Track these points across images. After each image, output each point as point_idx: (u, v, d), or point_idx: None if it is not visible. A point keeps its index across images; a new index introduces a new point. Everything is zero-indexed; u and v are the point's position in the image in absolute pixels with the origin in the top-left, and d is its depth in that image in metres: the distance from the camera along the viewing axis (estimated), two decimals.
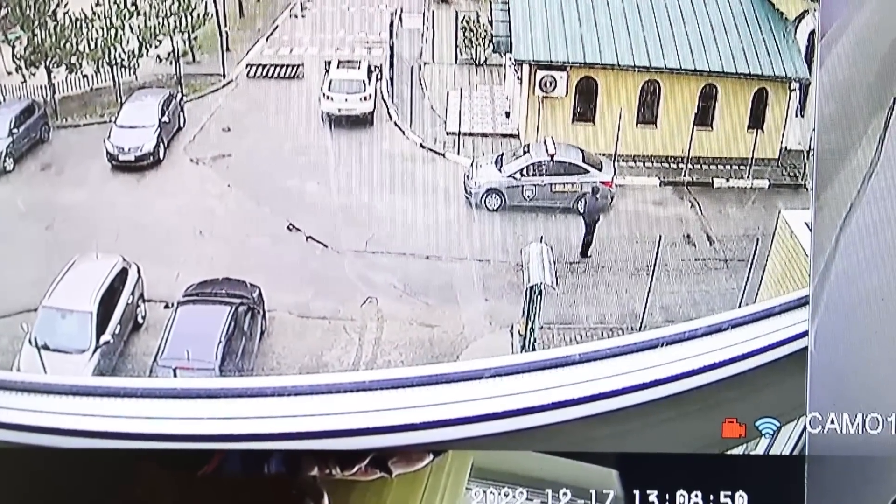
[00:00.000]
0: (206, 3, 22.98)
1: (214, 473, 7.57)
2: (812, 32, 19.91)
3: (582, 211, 18.95)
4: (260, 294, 16.81)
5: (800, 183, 19.95)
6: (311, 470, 7.52)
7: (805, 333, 8.12)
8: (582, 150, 19.88)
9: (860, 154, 8.11)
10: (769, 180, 20.27)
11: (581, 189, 19.37)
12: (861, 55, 8.17)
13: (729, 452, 8.37)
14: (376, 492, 7.56)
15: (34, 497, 7.80)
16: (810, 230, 8.32)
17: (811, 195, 8.38)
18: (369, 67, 22.26)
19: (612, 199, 19.51)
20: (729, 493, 8.12)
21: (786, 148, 20.72)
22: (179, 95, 21.88)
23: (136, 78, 22.18)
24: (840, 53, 8.28)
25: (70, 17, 21.27)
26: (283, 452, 7.70)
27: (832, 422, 8.10)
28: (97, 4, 21.45)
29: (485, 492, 8.32)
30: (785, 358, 8.16)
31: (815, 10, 18.70)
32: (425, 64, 23.81)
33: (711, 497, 8.12)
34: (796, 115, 20.57)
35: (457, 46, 24.10)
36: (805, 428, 8.15)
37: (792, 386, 8.10)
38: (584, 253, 18.49)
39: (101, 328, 15.81)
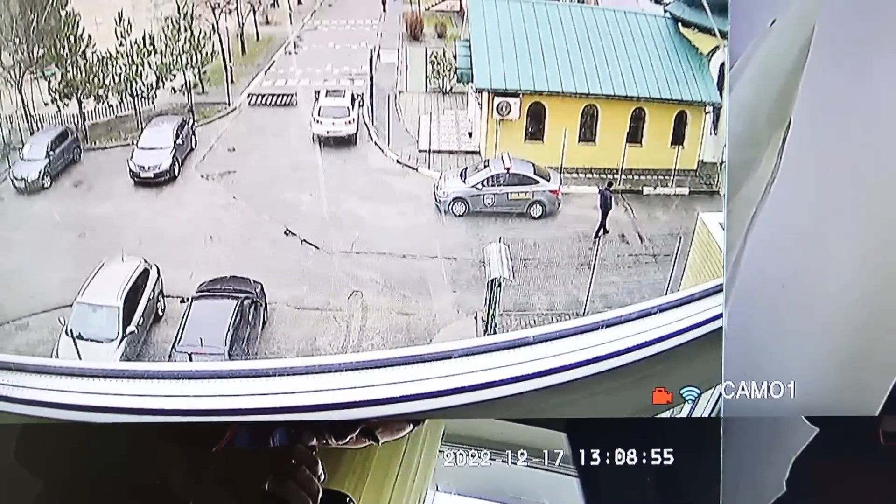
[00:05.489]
0: (213, 42, 22.71)
1: (226, 448, 7.52)
2: (722, 64, 20.05)
3: (602, 204, 19.00)
4: (262, 289, 16.71)
5: (714, 190, 20.02)
6: (311, 441, 7.49)
7: (720, 315, 8.21)
8: (533, 164, 19.87)
9: (763, 165, 8.20)
10: (689, 188, 20.37)
11: (533, 197, 19.42)
12: (762, 83, 8.26)
13: (658, 416, 8.43)
14: (364, 457, 7.55)
15: (72, 465, 7.73)
16: (723, 229, 8.39)
17: (724, 200, 8.46)
18: (352, 96, 22.12)
19: (558, 205, 19.56)
20: (658, 450, 8.19)
21: (702, 161, 20.79)
22: (191, 121, 21.62)
23: (154, 107, 21.88)
24: (745, 82, 8.38)
25: (98, 55, 20.94)
26: (285, 426, 7.68)
27: (743, 388, 8.19)
28: (121, 45, 21.09)
29: (455, 454, 8.33)
30: (704, 336, 8.26)
31: (724, 45, 18.82)
32: (400, 92, 23.67)
33: (644, 454, 8.18)
34: (710, 133, 20.66)
35: (426, 77, 23.97)
36: (721, 394, 8.24)
37: (710, 359, 8.18)
38: (597, 234, 18.70)
39: (126, 320, 15.69)
